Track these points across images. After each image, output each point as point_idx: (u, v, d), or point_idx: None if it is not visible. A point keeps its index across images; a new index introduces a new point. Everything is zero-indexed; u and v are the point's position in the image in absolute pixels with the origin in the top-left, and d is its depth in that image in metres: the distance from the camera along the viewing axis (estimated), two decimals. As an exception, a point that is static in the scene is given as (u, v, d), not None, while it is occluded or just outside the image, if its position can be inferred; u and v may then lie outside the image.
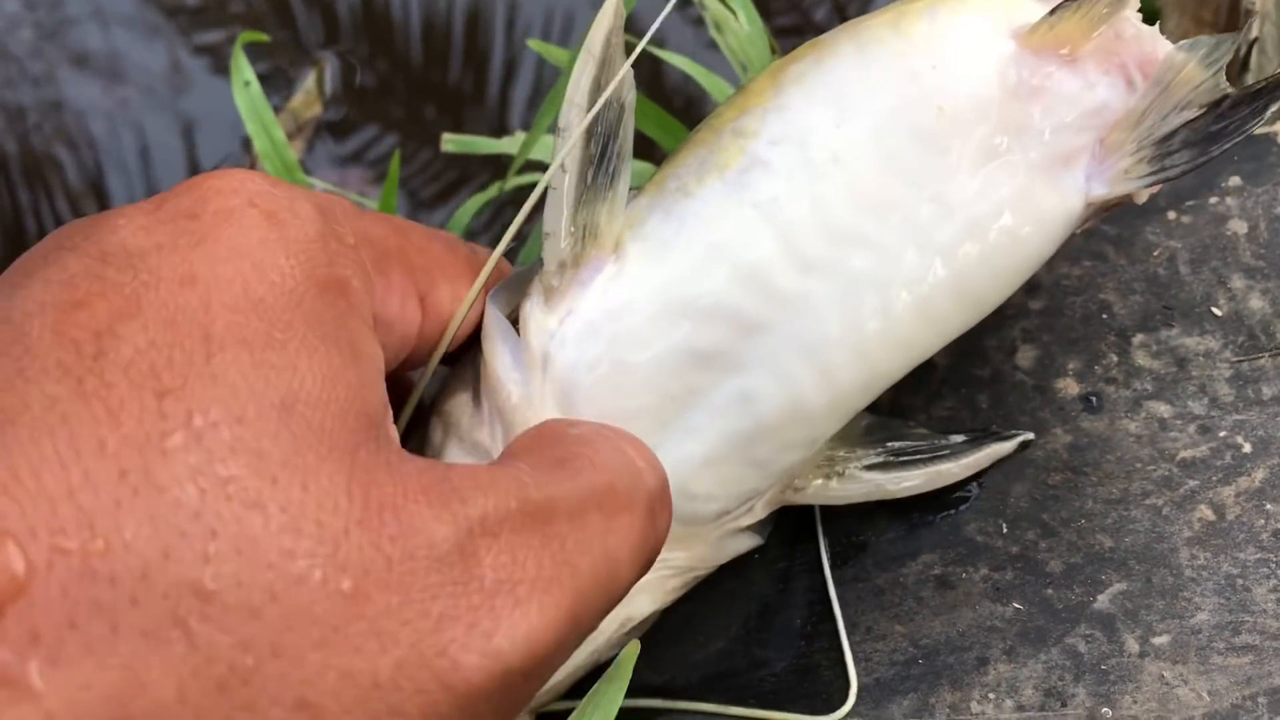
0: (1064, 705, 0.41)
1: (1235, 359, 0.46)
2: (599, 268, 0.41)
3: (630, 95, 0.41)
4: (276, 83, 0.81)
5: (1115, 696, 0.41)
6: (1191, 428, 0.45)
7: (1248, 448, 0.44)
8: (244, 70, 0.55)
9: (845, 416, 0.41)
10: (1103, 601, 0.42)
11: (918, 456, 0.44)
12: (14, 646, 0.26)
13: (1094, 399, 0.46)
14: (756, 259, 0.40)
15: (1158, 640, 0.41)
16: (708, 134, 0.42)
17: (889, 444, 0.44)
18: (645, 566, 0.35)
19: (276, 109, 0.79)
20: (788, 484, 0.42)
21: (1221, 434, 0.45)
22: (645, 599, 0.41)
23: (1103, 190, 0.41)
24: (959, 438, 0.45)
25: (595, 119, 0.41)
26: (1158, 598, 0.42)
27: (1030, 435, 0.45)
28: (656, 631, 0.43)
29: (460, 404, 0.42)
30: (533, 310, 0.40)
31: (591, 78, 0.41)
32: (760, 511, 0.42)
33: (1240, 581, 0.42)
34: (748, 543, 0.43)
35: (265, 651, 0.27)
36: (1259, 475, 0.44)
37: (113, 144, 0.84)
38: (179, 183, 0.33)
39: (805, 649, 0.43)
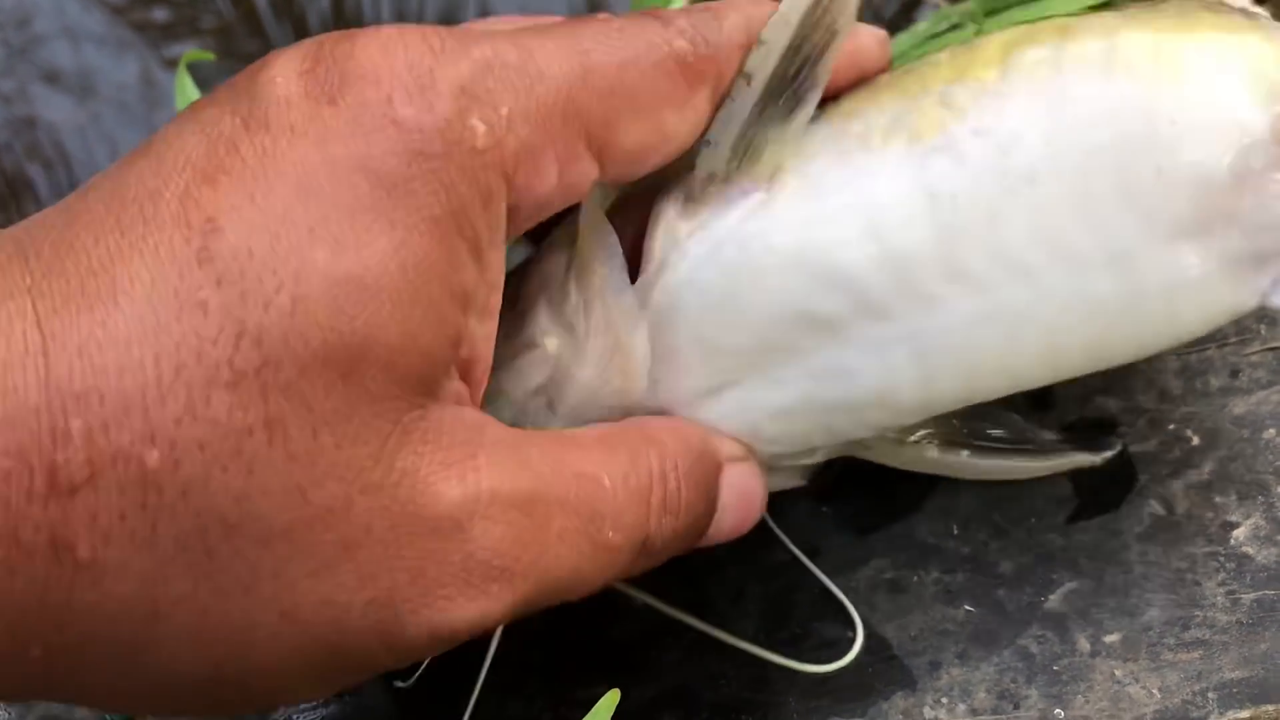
0: (1016, 708, 0.41)
1: (1183, 350, 0.46)
2: (748, 191, 0.39)
3: (847, 24, 0.38)
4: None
5: (1068, 697, 0.41)
6: (1140, 421, 0.45)
7: (1196, 440, 0.44)
8: (188, 90, 0.56)
9: (927, 416, 0.41)
10: (1054, 601, 0.42)
11: (1000, 445, 0.43)
12: (76, 521, 0.31)
13: (1044, 394, 0.46)
14: (910, 248, 0.38)
15: (1109, 638, 0.41)
16: (914, 83, 0.39)
17: (974, 423, 0.43)
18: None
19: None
20: (854, 444, 0.42)
21: (1170, 427, 0.45)
22: None
23: None
24: (1049, 435, 0.44)
25: (801, 38, 0.38)
26: (1108, 595, 0.42)
27: (1119, 448, 0.44)
28: (611, 643, 0.43)
29: (556, 265, 0.40)
30: (666, 209, 0.39)
31: None
32: (819, 457, 0.42)
33: (1190, 576, 0.42)
34: (789, 481, 0.42)
35: (267, 573, 0.32)
36: (1207, 468, 0.44)
37: (86, 159, 0.84)
38: (340, 37, 0.35)
39: (760, 658, 0.43)
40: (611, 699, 0.38)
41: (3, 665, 0.32)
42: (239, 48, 0.84)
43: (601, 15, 0.38)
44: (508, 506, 0.34)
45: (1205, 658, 0.41)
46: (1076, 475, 0.44)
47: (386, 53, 0.34)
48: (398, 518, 0.33)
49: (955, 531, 0.44)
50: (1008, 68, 0.39)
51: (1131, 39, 0.39)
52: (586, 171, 0.36)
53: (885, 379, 0.39)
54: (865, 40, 0.41)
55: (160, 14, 0.87)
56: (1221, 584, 0.42)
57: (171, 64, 0.85)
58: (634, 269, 0.39)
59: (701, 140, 0.39)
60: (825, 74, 0.39)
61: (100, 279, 0.32)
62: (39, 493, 0.31)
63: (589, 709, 0.38)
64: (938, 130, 0.38)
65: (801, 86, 0.39)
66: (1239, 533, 0.42)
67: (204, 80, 0.75)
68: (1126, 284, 0.38)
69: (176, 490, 0.31)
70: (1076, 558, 0.43)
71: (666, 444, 0.38)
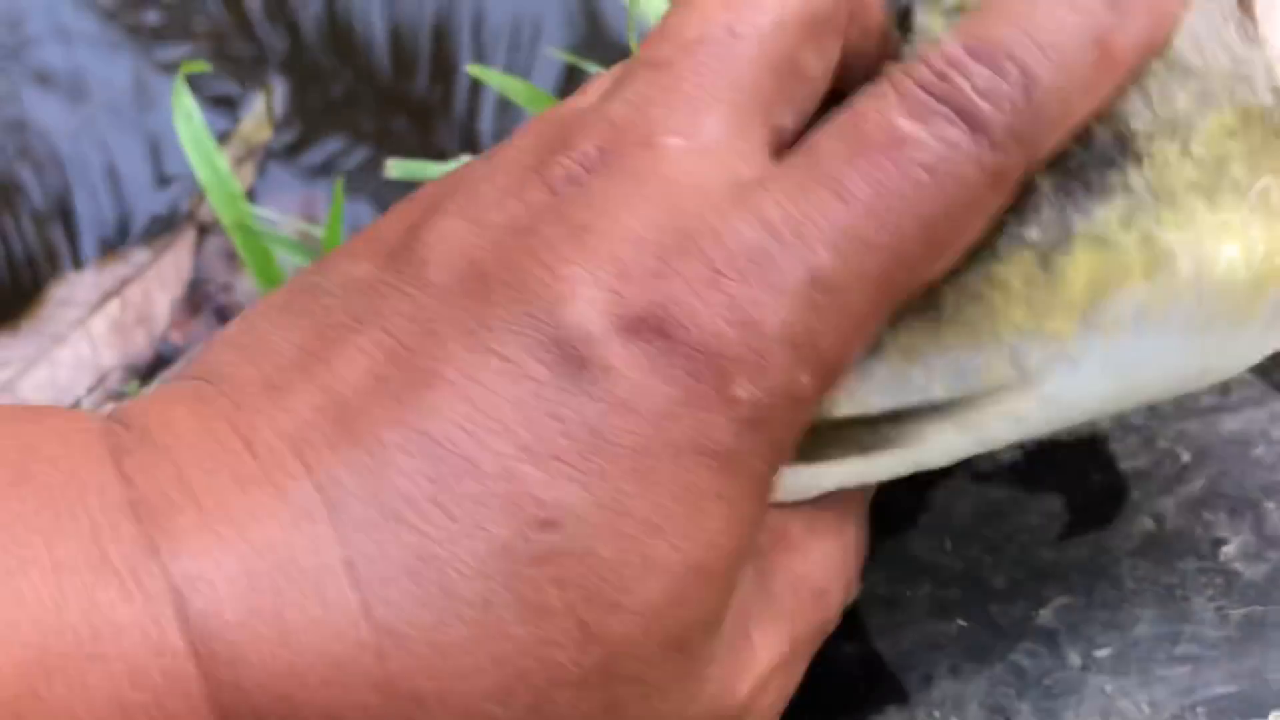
0: (1008, 721, 0.41)
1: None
2: None
3: None
4: (236, 103, 0.81)
5: (1059, 711, 0.41)
6: (1132, 438, 0.45)
7: (1187, 457, 0.45)
8: (185, 103, 0.56)
9: None
10: (1046, 616, 0.43)
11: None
12: None
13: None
14: None
15: (1099, 653, 0.42)
16: (985, 323, 0.34)
17: None
18: None
19: (229, 134, 0.79)
20: None
21: (1162, 444, 0.45)
22: None
23: None
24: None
25: None
26: (1100, 610, 0.43)
27: None
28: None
29: None
30: None
31: None
32: None
33: (1180, 591, 0.42)
34: None
35: None
36: (1198, 484, 0.44)
37: (78, 162, 0.84)
38: (656, 271, 0.32)
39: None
40: None
41: None
42: (231, 50, 0.84)
43: (905, 136, 0.32)
44: (776, 673, 0.36)
45: (1194, 672, 0.41)
46: (1069, 492, 0.44)
47: (713, 315, 0.31)
48: None
49: (948, 547, 0.44)
50: (1089, 323, 0.34)
51: (1220, 283, 0.35)
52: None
53: None
54: None
55: (152, 16, 0.87)
56: (1211, 599, 0.42)
57: (163, 67, 0.85)
58: None
59: None
60: None
61: (428, 570, 0.30)
62: None
63: None
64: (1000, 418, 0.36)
65: None
66: (1228, 549, 0.43)
67: (198, 86, 0.76)
68: None
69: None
70: (1068, 573, 0.43)
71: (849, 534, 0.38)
